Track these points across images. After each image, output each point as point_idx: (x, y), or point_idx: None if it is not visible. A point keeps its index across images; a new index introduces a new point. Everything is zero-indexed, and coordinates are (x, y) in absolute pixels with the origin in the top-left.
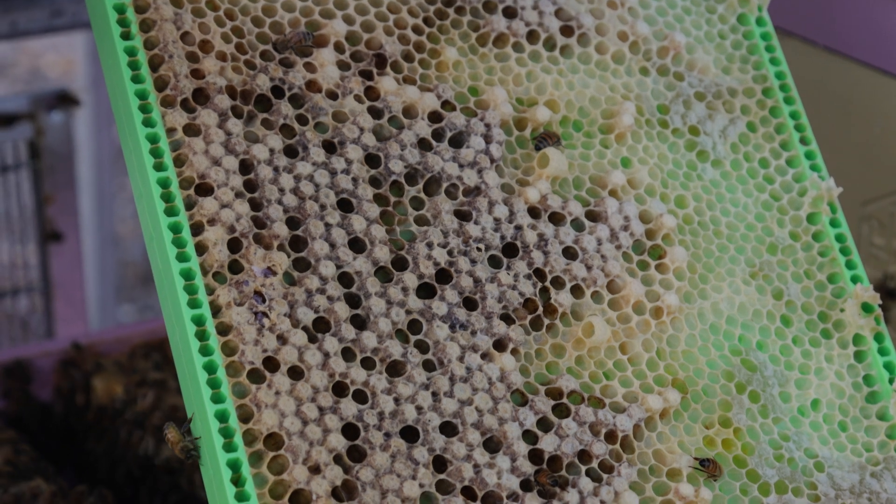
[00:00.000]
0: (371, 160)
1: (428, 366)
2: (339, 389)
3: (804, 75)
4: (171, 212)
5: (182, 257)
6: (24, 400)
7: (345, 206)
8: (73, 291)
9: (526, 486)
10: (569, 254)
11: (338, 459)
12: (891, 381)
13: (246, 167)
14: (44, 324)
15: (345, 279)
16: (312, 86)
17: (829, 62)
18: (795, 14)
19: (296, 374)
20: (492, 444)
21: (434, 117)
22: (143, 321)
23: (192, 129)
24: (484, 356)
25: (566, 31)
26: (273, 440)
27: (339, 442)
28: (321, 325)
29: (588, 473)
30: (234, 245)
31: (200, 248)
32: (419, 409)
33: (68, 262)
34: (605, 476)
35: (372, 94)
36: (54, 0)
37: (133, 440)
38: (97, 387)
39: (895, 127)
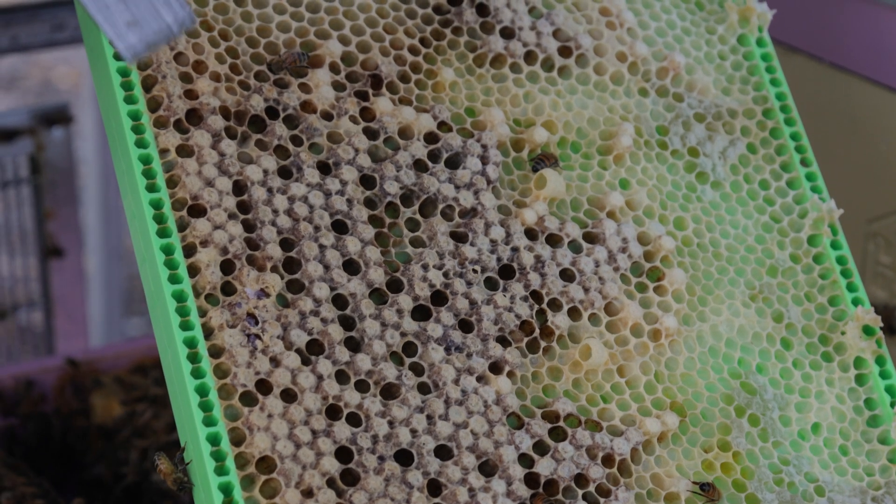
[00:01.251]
0: (366, 181)
1: (423, 388)
2: (333, 412)
3: (810, 92)
4: (163, 233)
5: (174, 279)
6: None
7: (339, 227)
8: (74, 307)
9: None
10: (566, 276)
11: (331, 483)
12: (892, 405)
13: (239, 188)
14: (44, 340)
15: (339, 301)
16: (307, 106)
17: (835, 78)
18: (801, 30)
19: (289, 396)
20: (487, 468)
21: (430, 138)
22: (143, 337)
23: (185, 150)
24: (479, 379)
25: (564, 51)
26: (265, 463)
27: (332, 465)
28: (315, 348)
29: (585, 497)
30: (226, 267)
31: (193, 270)
32: (414, 432)
33: (69, 277)
34: (601, 500)
35: (367, 114)
36: (56, 14)
37: (132, 459)
38: (96, 405)
39: None
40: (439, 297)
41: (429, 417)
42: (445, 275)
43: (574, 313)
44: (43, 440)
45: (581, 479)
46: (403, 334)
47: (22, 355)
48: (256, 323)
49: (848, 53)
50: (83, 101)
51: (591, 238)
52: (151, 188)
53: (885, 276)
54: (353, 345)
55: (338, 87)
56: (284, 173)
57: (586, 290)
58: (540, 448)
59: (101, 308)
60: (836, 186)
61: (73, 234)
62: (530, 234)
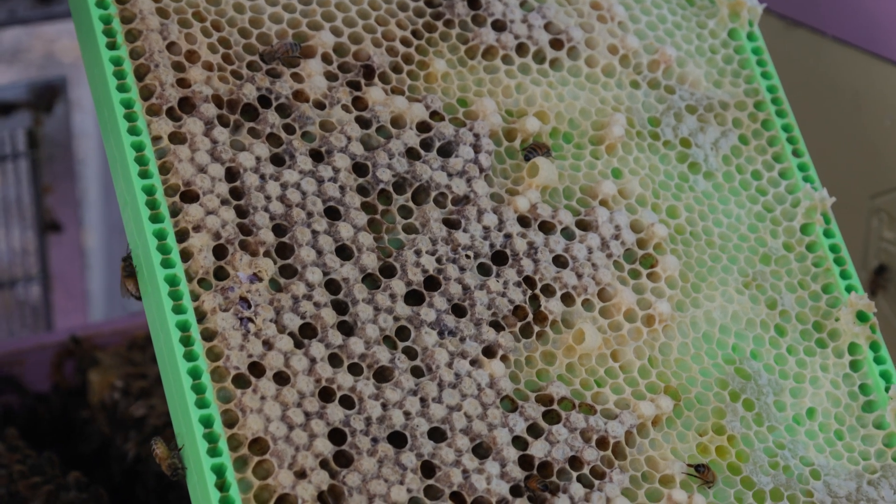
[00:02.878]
0: (359, 169)
1: (416, 372)
2: (326, 395)
3: (812, 66)
4: (156, 219)
5: (167, 263)
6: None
7: (332, 213)
8: (72, 283)
9: (516, 491)
10: (559, 262)
11: (324, 464)
12: (887, 390)
13: (232, 175)
14: (43, 315)
15: (332, 286)
16: (300, 96)
17: (838, 53)
18: (803, 3)
19: (282, 379)
20: (481, 450)
21: (422, 127)
22: (142, 313)
23: (177, 137)
24: (473, 362)
25: (556, 44)
26: (258, 445)
27: (325, 447)
28: (308, 331)
29: (579, 479)
30: (219, 251)
31: (185, 255)
32: (407, 414)
33: (68, 252)
34: (596, 482)
35: (360, 104)
36: None
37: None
38: (93, 381)
39: None
40: (432, 283)
41: (422, 400)
42: (438, 260)
43: (567, 299)
44: (41, 417)
45: (575, 462)
46: (396, 318)
47: (21, 330)
48: (249, 307)
49: (851, 27)
50: (84, 75)
51: (583, 225)
52: (144, 174)
53: (888, 252)
54: (346, 329)
55: (330, 77)
56: (277, 160)
57: (579, 276)
58: (534, 431)
59: (102, 283)
60: (839, 162)
61: (72, 209)
62: (523, 221)
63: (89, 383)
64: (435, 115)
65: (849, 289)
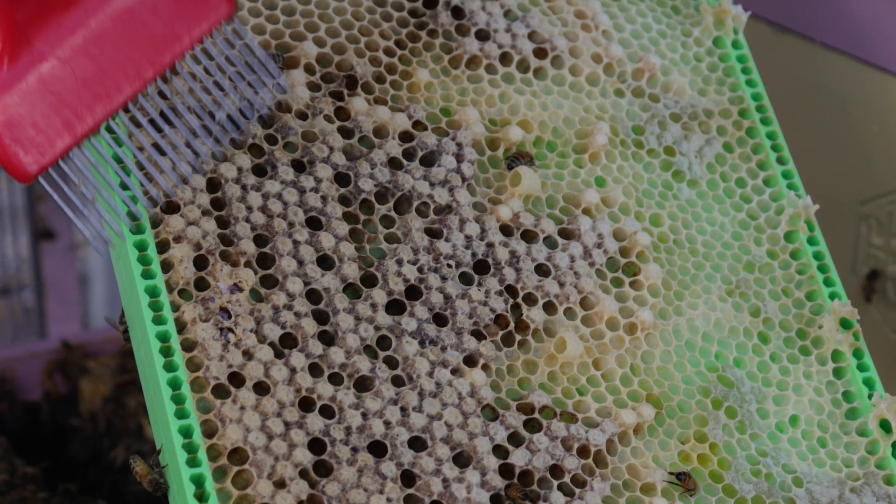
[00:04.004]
0: (341, 179)
1: (397, 381)
2: (306, 405)
3: (801, 72)
4: (137, 229)
5: (148, 275)
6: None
7: (313, 224)
8: (66, 290)
9: (496, 500)
10: (541, 271)
11: (304, 474)
12: (870, 397)
13: (213, 185)
14: (36, 323)
15: (313, 296)
16: (282, 106)
17: (827, 59)
18: (792, 10)
19: (261, 389)
20: (461, 459)
21: (405, 137)
22: None
23: (157, 149)
24: (454, 371)
25: (540, 53)
26: (238, 455)
27: (304, 457)
28: (288, 341)
29: (560, 488)
30: (200, 262)
31: (166, 266)
32: (387, 423)
33: (61, 260)
34: (577, 490)
35: (342, 114)
36: None
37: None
38: (84, 389)
39: (894, 125)
40: (413, 292)
41: (402, 409)
42: (420, 270)
43: (549, 307)
44: (31, 426)
45: (556, 470)
46: (377, 328)
47: (14, 338)
48: (229, 317)
49: (839, 33)
50: None
51: (566, 234)
52: (124, 186)
53: (877, 258)
54: (327, 338)
55: (313, 87)
56: (259, 171)
57: (562, 285)
58: (515, 439)
59: (104, 291)
60: (828, 168)
61: (65, 217)
62: (505, 230)
63: (80, 391)
64: (418, 124)
65: (832, 296)
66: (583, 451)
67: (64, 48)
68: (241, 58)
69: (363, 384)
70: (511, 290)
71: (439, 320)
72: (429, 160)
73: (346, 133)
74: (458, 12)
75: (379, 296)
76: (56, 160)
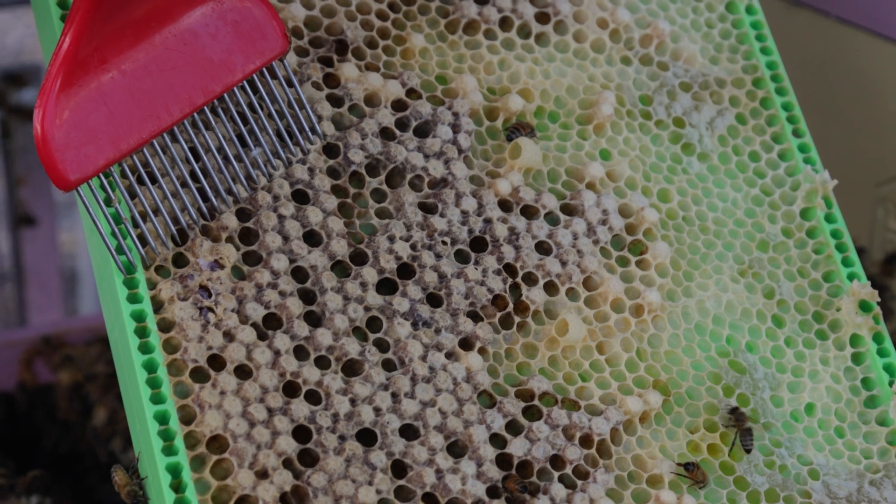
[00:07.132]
0: (329, 150)
1: (387, 365)
2: (291, 390)
3: (815, 48)
4: (109, 202)
5: (121, 250)
6: None
7: (300, 197)
8: (47, 278)
9: (493, 492)
10: (542, 249)
11: (287, 464)
12: (891, 384)
13: (195, 155)
14: (15, 311)
15: (298, 274)
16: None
17: (842, 34)
18: None
19: (243, 373)
20: (456, 449)
21: (398, 106)
22: None
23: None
24: (449, 355)
25: (542, 18)
26: (217, 443)
27: (289, 445)
28: (272, 322)
29: (561, 480)
30: (178, 236)
31: (143, 240)
32: (377, 410)
33: (42, 247)
34: (579, 482)
35: (331, 81)
36: None
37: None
38: (62, 379)
39: None
40: (406, 270)
41: (393, 395)
42: (413, 247)
43: (550, 288)
44: (6, 417)
45: (557, 461)
46: (367, 308)
47: None
48: (209, 296)
49: (855, 7)
50: None
51: (569, 210)
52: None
53: (894, 243)
54: (314, 319)
55: (301, 52)
56: (242, 141)
57: (564, 264)
58: (513, 428)
59: (90, 275)
60: (843, 148)
61: (47, 202)
62: (504, 205)
63: (58, 382)
64: (412, 92)
65: (851, 277)
66: (585, 441)
67: (127, 60)
68: (285, 98)
69: (352, 368)
70: (510, 269)
71: (433, 301)
72: (423, 130)
73: (335, 101)
74: None
75: (369, 274)
76: (97, 174)
